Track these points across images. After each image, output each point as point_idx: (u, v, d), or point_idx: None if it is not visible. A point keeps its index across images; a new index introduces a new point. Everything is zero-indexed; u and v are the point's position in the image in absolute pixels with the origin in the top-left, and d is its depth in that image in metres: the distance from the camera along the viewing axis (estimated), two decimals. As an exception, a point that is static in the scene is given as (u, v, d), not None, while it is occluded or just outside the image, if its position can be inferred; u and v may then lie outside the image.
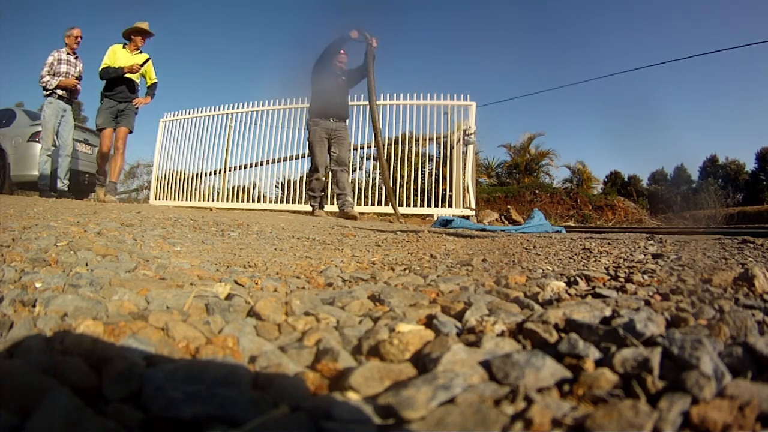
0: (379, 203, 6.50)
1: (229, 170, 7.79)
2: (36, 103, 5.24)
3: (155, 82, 4.84)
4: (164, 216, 2.09)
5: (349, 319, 0.55)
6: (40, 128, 5.17)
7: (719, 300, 0.58)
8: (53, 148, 4.96)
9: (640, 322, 0.46)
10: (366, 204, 6.37)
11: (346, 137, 4.48)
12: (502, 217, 7.97)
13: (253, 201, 7.49)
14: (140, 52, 4.74)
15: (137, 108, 4.73)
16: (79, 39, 4.98)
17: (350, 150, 4.79)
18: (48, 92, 4.81)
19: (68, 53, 4.92)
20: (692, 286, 0.68)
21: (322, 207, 4.70)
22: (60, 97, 4.88)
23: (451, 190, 6.47)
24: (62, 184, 5.13)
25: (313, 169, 4.46)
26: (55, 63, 4.82)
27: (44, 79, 4.74)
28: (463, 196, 6.17)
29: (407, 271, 0.96)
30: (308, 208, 6.59)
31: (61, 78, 4.79)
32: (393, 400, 0.32)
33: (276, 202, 7.38)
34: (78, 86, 4.99)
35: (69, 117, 5.02)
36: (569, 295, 0.68)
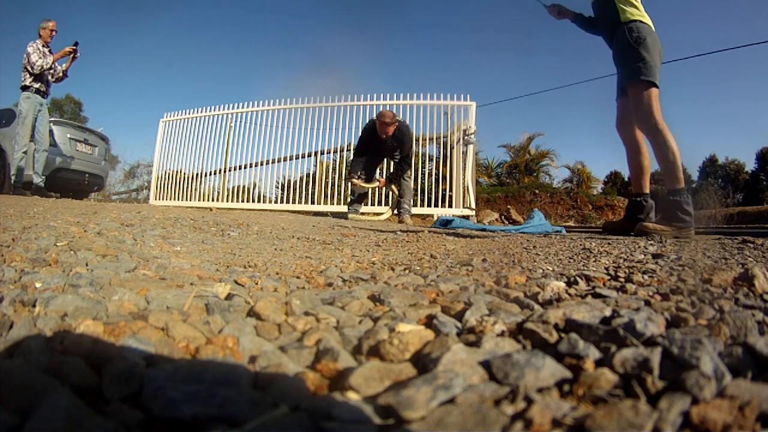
0: (380, 203, 6.50)
1: (229, 170, 7.79)
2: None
3: None
4: (164, 216, 2.09)
5: (349, 319, 0.55)
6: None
7: (719, 300, 0.58)
8: (31, 143, 4.93)
9: (640, 322, 0.46)
10: (366, 204, 6.38)
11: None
12: (502, 217, 7.96)
13: (253, 201, 7.49)
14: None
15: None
16: (53, 32, 4.98)
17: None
18: (25, 87, 4.81)
19: (43, 45, 4.91)
20: (692, 286, 0.68)
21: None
22: (37, 91, 4.86)
23: (451, 190, 6.46)
24: (39, 179, 5.06)
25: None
26: (37, 51, 4.83)
27: (38, 63, 4.73)
28: (463, 196, 6.17)
29: (407, 271, 0.96)
30: (307, 208, 6.61)
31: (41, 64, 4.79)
32: (393, 400, 0.32)
33: (276, 202, 7.37)
34: (76, 49, 4.97)
35: (45, 111, 5.00)
36: (569, 295, 0.68)
